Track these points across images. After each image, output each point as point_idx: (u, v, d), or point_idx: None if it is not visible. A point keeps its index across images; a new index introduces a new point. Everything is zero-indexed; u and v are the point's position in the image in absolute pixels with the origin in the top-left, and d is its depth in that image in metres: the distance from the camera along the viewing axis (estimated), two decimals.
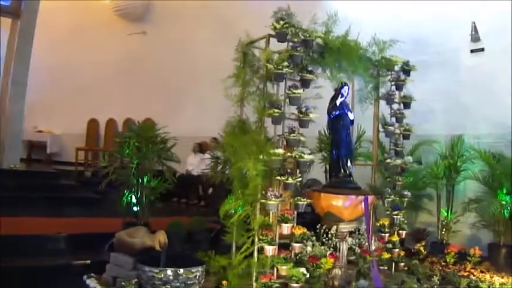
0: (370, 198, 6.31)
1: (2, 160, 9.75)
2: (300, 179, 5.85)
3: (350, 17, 6.75)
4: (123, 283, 5.51)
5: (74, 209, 8.19)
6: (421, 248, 7.90)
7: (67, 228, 7.15)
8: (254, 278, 5.61)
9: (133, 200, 7.20)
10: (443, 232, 8.29)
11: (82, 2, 12.76)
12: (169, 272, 5.32)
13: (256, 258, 5.66)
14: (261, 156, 5.63)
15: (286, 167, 5.89)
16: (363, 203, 6.15)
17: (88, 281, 5.70)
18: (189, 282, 5.38)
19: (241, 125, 6.21)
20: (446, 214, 8.33)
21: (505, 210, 7.59)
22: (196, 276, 5.47)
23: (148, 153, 7.13)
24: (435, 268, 7.42)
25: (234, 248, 6.06)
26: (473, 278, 6.90)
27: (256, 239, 5.66)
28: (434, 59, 8.75)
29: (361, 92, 7.04)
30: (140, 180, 7.19)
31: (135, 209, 7.19)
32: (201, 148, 11.93)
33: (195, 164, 11.76)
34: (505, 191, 7.65)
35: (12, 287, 5.57)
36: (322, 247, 6.40)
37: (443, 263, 7.69)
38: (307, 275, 5.81)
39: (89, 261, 6.31)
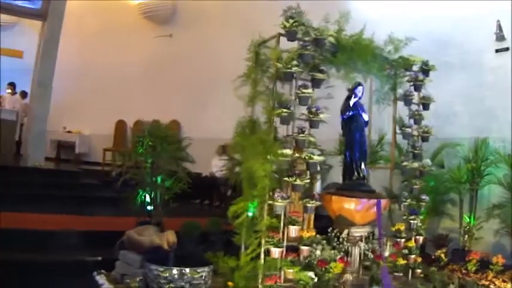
0: (384, 201, 6.14)
1: (27, 158, 9.95)
2: (308, 180, 5.70)
3: (367, 16, 6.62)
4: (127, 280, 5.54)
5: (93, 207, 8.23)
6: (442, 255, 7.63)
7: (84, 225, 7.30)
8: (260, 281, 5.50)
9: (148, 199, 7.20)
10: (465, 239, 7.96)
11: (110, 4, 12.94)
12: (174, 271, 5.28)
13: (262, 261, 5.55)
14: (268, 157, 5.55)
15: (297, 168, 5.78)
16: (375, 207, 5.97)
17: (97, 277, 5.73)
18: (194, 282, 5.34)
19: (251, 125, 6.11)
20: (468, 220, 8.00)
21: None
22: (202, 276, 5.41)
23: (162, 152, 7.12)
24: (454, 276, 7.16)
25: (242, 250, 5.94)
26: (493, 287, 6.60)
27: (263, 241, 5.57)
28: (458, 60, 8.45)
29: (378, 92, 6.83)
30: (154, 179, 7.20)
31: (149, 208, 7.17)
32: (224, 150, 11.86)
33: (219, 166, 11.69)
34: None
35: (27, 280, 5.72)
36: (333, 251, 6.22)
37: (464, 271, 7.38)
38: (315, 279, 5.66)
39: (100, 258, 6.42)
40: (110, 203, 8.26)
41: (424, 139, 6.99)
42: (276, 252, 5.52)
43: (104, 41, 13.21)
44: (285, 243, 5.67)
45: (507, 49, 8.08)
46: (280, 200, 5.54)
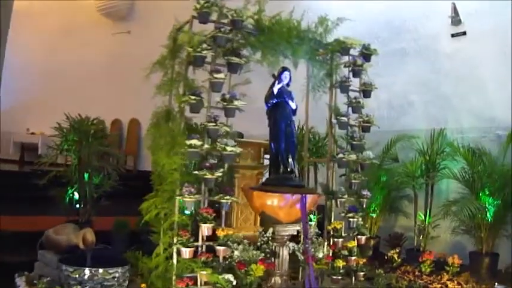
0: (311, 197, 5.58)
1: None
2: (220, 174, 5.18)
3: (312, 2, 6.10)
4: (35, 281, 5.30)
5: (32, 207, 7.82)
6: (395, 255, 7.07)
7: (14, 225, 6.99)
8: (173, 283, 5.03)
9: (76, 197, 6.92)
10: (420, 238, 7.36)
11: (71, 2, 12.57)
12: (85, 271, 4.95)
13: (174, 261, 5.10)
14: (181, 149, 5.07)
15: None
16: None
17: (17, 279, 5.42)
18: (106, 284, 5.01)
19: (166, 115, 5.61)
20: (423, 217, 7.41)
21: (487, 214, 6.64)
22: (114, 277, 5.07)
23: (86, 148, 6.70)
24: (405, 278, 6.59)
25: (161, 249, 5.43)
26: None
27: (174, 240, 5.10)
28: (412, 46, 7.88)
29: (314, 79, 6.30)
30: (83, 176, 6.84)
31: (77, 206, 6.93)
32: None
33: None
34: (487, 192, 6.69)
35: None
36: (256, 252, 5.68)
37: (418, 273, 6.82)
38: (233, 283, 5.14)
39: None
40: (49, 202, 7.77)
41: (365, 129, 6.42)
42: (185, 252, 5.04)
43: (64, 39, 12.81)
44: (200, 243, 5.20)
45: (464, 33, 7.48)
46: (187, 196, 5.05)
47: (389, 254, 7.13)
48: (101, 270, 5.00)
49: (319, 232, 6.22)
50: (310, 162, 7.33)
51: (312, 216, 6.89)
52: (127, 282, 5.31)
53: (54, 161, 7.12)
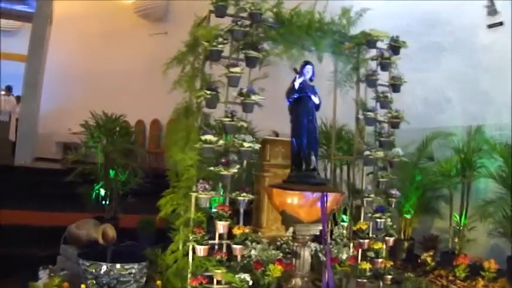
0: (334, 196, 5.32)
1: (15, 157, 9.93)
2: (235, 170, 5.04)
3: None
4: (52, 274, 5.32)
5: (63, 204, 7.93)
6: (428, 258, 6.75)
7: (45, 221, 7.13)
8: (188, 281, 4.91)
9: (102, 194, 7.00)
10: (455, 240, 6.96)
11: (110, 6, 12.74)
12: (102, 266, 4.95)
13: (190, 258, 4.98)
14: (196, 145, 4.97)
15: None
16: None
17: (40, 272, 5.47)
18: (122, 279, 5.00)
19: (185, 111, 5.53)
20: (458, 219, 7.00)
21: None
22: (131, 273, 5.05)
23: (109, 145, 6.73)
24: (438, 283, 6.27)
25: (177, 246, 5.34)
26: None
27: (190, 237, 4.98)
28: (447, 39, 7.45)
29: (340, 74, 6.07)
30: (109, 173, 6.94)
31: (103, 203, 6.99)
32: None
33: None
34: None
35: None
36: (275, 252, 5.51)
37: (451, 277, 6.47)
38: (250, 283, 4.98)
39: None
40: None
41: (394, 125, 6.11)
42: (200, 249, 4.93)
43: (103, 42, 13.00)
44: (216, 241, 5.07)
45: (501, 24, 7.01)
46: (201, 192, 4.93)
47: (422, 257, 6.81)
48: (117, 266, 5.00)
49: (344, 232, 5.99)
50: (338, 160, 7.05)
51: (344, 216, 6.70)
52: (144, 279, 5.29)
53: (82, 159, 7.18)
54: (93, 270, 4.98)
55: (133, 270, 5.08)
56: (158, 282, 5.11)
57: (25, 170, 9.72)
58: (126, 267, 5.05)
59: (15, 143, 11.10)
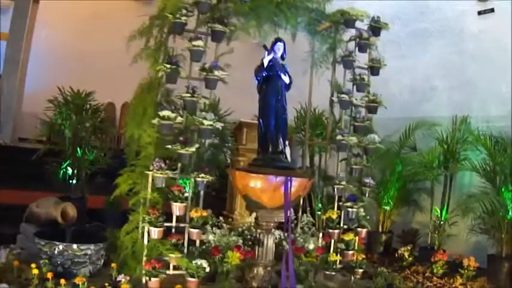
0: (298, 181, 5.00)
1: None
2: (193, 149, 4.76)
3: None
4: (3, 250, 5.17)
5: (37, 184, 7.66)
6: (406, 253, 6.44)
7: (14, 199, 6.77)
8: (143, 263, 4.69)
9: (69, 172, 6.77)
10: (435, 235, 6.64)
11: None
12: (56, 246, 4.79)
13: (145, 241, 4.77)
14: (154, 121, 4.70)
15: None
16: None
17: (1, 252, 5.21)
18: (76, 260, 4.83)
19: (148, 86, 5.23)
20: (439, 213, 6.67)
21: (509, 212, 5.86)
22: (86, 254, 4.88)
23: (78, 122, 6.47)
24: (413, 279, 5.96)
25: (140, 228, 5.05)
26: None
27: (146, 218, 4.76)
28: (435, 26, 7.08)
29: (316, 54, 5.76)
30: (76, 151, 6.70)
31: (71, 182, 6.77)
32: None
33: None
34: (510, 187, 5.90)
35: None
36: (235, 238, 5.21)
37: (428, 274, 6.16)
38: (207, 269, 4.70)
39: None
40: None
41: (372, 110, 5.80)
42: (154, 232, 4.67)
43: (92, 22, 12.64)
44: (173, 224, 4.83)
45: (492, 10, 6.64)
46: (157, 171, 4.66)
47: (399, 252, 6.51)
48: (73, 246, 4.82)
49: (313, 221, 5.70)
50: (313, 145, 6.76)
51: (320, 204, 6.42)
52: (102, 261, 5.10)
53: (47, 136, 6.94)
54: (48, 250, 4.81)
55: (89, 252, 4.91)
56: (113, 264, 4.86)
57: (2, 149, 9.45)
58: (82, 247, 4.85)
59: None
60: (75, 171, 6.69)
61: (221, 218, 5.52)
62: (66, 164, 6.66)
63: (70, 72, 12.85)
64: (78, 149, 6.63)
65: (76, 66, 12.82)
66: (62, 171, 6.71)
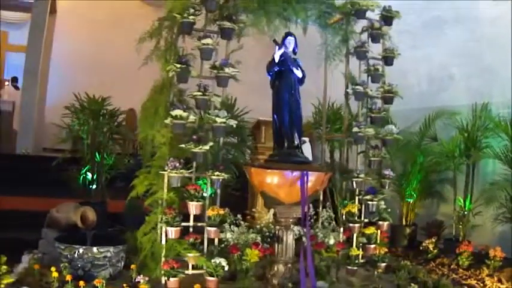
0: (315, 175, 4.93)
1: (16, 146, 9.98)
2: (207, 148, 4.73)
3: None
4: (27, 255, 5.19)
5: (58, 190, 7.78)
6: (430, 246, 6.32)
7: (37, 206, 6.86)
8: (162, 264, 4.68)
9: (89, 177, 6.86)
10: (459, 226, 6.49)
11: None
12: (76, 249, 4.80)
13: (163, 241, 4.76)
14: (166, 121, 4.70)
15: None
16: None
17: (23, 256, 5.28)
18: (96, 263, 4.83)
19: (161, 88, 5.24)
20: (463, 203, 6.52)
21: None
22: (106, 257, 4.87)
23: (93, 127, 6.54)
24: (438, 272, 5.83)
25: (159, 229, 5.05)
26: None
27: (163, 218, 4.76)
28: (449, 13, 6.92)
29: (329, 47, 5.69)
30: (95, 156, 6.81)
31: (90, 187, 6.85)
32: None
33: None
34: None
35: None
36: (253, 235, 5.17)
37: (454, 266, 6.03)
38: (226, 268, 4.67)
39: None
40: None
41: (387, 101, 5.70)
42: (171, 232, 4.66)
43: (110, 30, 12.84)
44: (191, 223, 4.81)
45: None
46: (171, 171, 4.65)
47: (424, 244, 6.39)
48: (92, 249, 4.84)
49: (333, 216, 5.62)
50: (330, 140, 6.69)
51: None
52: (122, 263, 5.10)
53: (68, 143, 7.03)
54: (68, 254, 4.83)
55: (109, 254, 4.91)
56: (133, 266, 4.87)
57: (24, 158, 9.68)
58: (101, 250, 4.87)
59: None
60: (95, 176, 6.73)
61: (239, 216, 5.46)
62: (85, 170, 6.71)
63: (91, 81, 12.99)
64: (97, 154, 6.67)
65: (97, 75, 12.98)
66: (81, 177, 6.77)
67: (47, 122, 11.78)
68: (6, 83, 12.31)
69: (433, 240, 6.37)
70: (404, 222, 7.05)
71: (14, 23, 13.34)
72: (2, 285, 3.73)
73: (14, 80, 12.11)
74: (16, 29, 13.41)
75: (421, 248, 6.44)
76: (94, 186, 6.76)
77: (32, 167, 8.84)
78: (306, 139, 6.25)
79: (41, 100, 10.91)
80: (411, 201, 6.96)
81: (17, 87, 11.95)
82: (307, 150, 5.90)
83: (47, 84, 11.41)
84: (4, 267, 3.75)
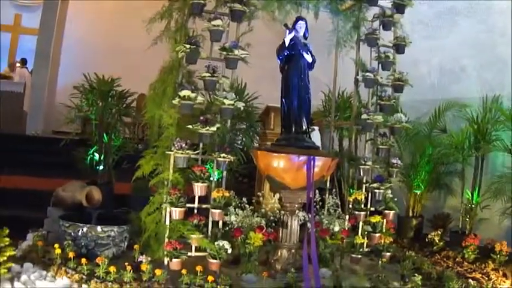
0: (322, 161, 4.90)
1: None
2: (214, 128, 4.71)
3: None
4: (32, 233, 5.33)
5: (66, 171, 7.81)
6: (436, 238, 6.26)
7: (42, 186, 7.00)
8: (164, 244, 4.70)
9: (96, 158, 6.83)
10: (466, 219, 6.43)
11: None
12: (80, 227, 4.87)
13: (167, 222, 4.76)
14: (174, 101, 4.68)
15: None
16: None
17: (28, 234, 5.42)
18: (100, 242, 4.91)
19: (171, 69, 5.21)
20: (470, 196, 6.45)
21: None
22: (109, 236, 4.95)
23: (102, 107, 6.53)
24: (443, 264, 5.78)
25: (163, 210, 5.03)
26: (485, 281, 5.21)
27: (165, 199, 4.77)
28: (462, 4, 6.83)
29: (340, 33, 5.64)
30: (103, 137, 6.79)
31: (98, 168, 6.81)
32: None
33: None
34: None
35: None
36: (258, 219, 5.14)
37: (459, 259, 5.97)
38: (229, 251, 4.66)
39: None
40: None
41: (397, 89, 5.65)
42: (175, 212, 4.65)
43: (124, 14, 12.83)
44: (196, 205, 4.80)
45: None
46: (177, 151, 4.64)
47: (429, 236, 6.33)
48: (97, 228, 4.89)
49: (338, 203, 5.59)
50: (339, 127, 6.65)
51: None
52: (126, 243, 5.12)
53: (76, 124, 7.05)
54: (72, 232, 4.87)
55: (112, 233, 4.96)
56: (136, 246, 4.88)
57: (34, 139, 9.78)
58: (105, 229, 4.91)
59: None
60: (102, 157, 6.73)
61: (244, 199, 5.43)
62: (92, 150, 6.72)
63: (104, 65, 12.99)
64: (105, 135, 6.67)
65: (109, 59, 12.98)
66: (89, 158, 6.77)
67: (57, 104, 11.85)
68: (18, 64, 12.35)
69: (439, 232, 6.31)
70: (410, 214, 6.99)
71: (27, 6, 13.45)
72: (5, 257, 3.74)
73: (23, 61, 12.16)
74: (29, 11, 13.50)
75: (426, 240, 6.38)
76: (101, 167, 6.72)
77: (41, 148, 8.96)
78: (316, 127, 6.23)
79: (52, 83, 10.91)
80: (418, 192, 6.89)
81: (26, 69, 12.03)
82: (316, 138, 5.86)
83: (58, 67, 11.41)
84: (7, 239, 3.74)
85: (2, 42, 13.32)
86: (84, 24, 12.75)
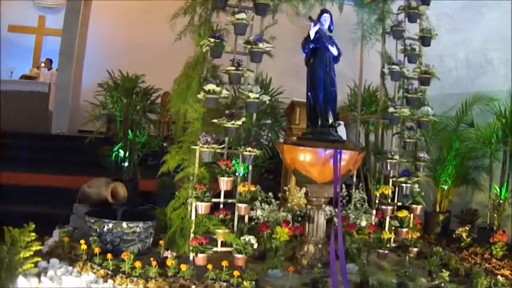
0: (349, 154, 4.84)
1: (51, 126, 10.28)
2: (240, 122, 4.69)
3: None
4: (58, 230, 5.34)
5: (92, 169, 7.90)
6: (463, 234, 6.14)
7: (71, 183, 6.99)
8: (190, 240, 4.68)
9: (121, 155, 6.88)
10: (494, 215, 6.30)
11: None
12: (105, 223, 4.88)
13: (193, 216, 4.74)
14: (199, 95, 4.68)
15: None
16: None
17: (54, 231, 5.43)
18: (125, 238, 4.90)
19: (195, 64, 5.21)
20: (498, 191, 6.33)
21: None
22: (135, 232, 4.93)
23: (126, 104, 6.56)
24: (471, 260, 5.65)
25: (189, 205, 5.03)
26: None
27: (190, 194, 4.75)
28: None
29: (365, 26, 5.58)
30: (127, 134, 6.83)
31: (122, 165, 6.85)
32: None
33: None
34: None
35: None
36: (284, 213, 5.09)
37: (487, 256, 5.85)
38: (255, 246, 4.63)
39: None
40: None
41: (424, 82, 5.57)
42: (201, 207, 4.64)
43: (145, 14, 12.90)
44: (222, 199, 4.79)
45: None
46: (202, 145, 4.63)
47: (457, 232, 6.22)
48: (123, 224, 4.88)
49: (365, 198, 5.53)
50: (365, 121, 6.58)
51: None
52: (151, 239, 5.11)
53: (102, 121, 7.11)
54: (97, 228, 4.89)
55: (138, 229, 4.95)
56: (161, 242, 4.88)
57: (60, 138, 9.95)
58: (130, 225, 4.91)
59: None
60: (127, 153, 6.77)
61: (270, 194, 5.40)
62: (118, 147, 6.76)
63: (127, 64, 13.17)
64: (129, 131, 6.70)
65: (133, 59, 13.00)
66: (114, 155, 6.82)
67: (82, 103, 11.98)
68: (42, 65, 12.53)
69: (467, 228, 6.19)
70: (438, 209, 6.88)
71: (50, 7, 13.64)
72: (31, 252, 3.76)
73: (48, 61, 12.34)
74: (53, 13, 13.68)
75: (454, 236, 6.25)
76: (126, 164, 6.76)
77: (66, 146, 9.10)
78: (341, 122, 6.18)
79: (77, 82, 11.08)
80: (445, 187, 6.78)
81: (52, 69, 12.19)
82: (342, 132, 5.81)
83: (82, 67, 11.59)
84: (33, 234, 3.77)
85: (27, 43, 13.55)
86: (107, 23, 12.86)
